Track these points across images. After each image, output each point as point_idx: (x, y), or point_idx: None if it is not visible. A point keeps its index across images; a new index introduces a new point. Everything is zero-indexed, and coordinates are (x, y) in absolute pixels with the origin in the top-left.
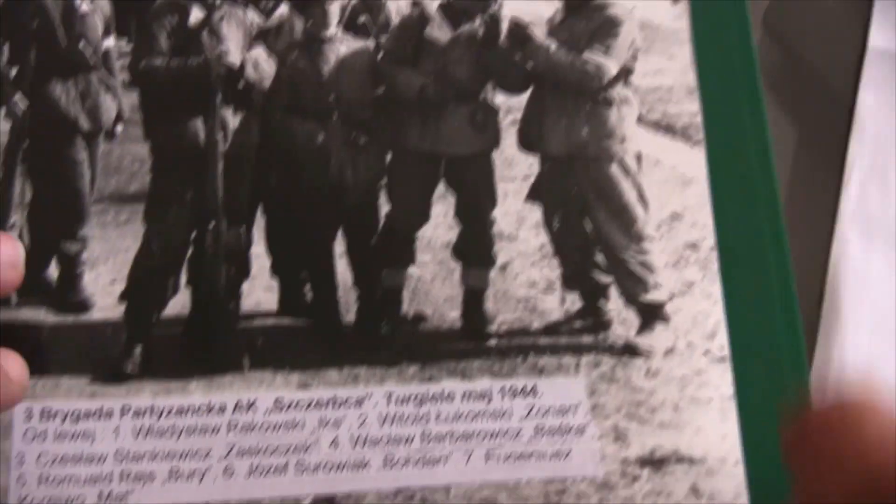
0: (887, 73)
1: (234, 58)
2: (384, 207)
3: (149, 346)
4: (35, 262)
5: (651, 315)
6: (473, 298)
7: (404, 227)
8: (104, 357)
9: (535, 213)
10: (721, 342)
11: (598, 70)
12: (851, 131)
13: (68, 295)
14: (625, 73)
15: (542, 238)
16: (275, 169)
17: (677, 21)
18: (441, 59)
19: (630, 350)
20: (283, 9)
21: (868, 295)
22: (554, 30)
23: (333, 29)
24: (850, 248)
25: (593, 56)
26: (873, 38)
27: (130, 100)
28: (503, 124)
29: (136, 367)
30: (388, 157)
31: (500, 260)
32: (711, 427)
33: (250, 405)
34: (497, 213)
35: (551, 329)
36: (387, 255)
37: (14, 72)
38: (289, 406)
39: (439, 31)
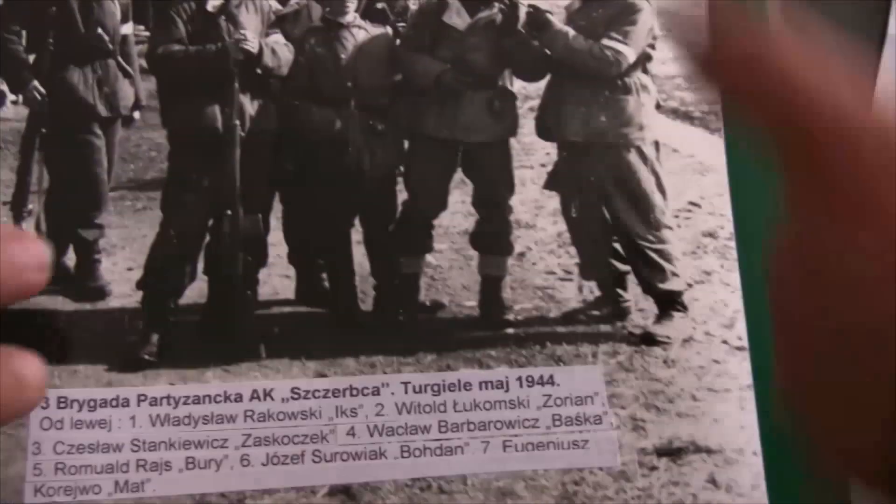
0: None
1: (252, 44)
2: (401, 195)
3: (166, 334)
4: (52, 249)
5: (669, 304)
6: (491, 287)
7: (422, 215)
8: (121, 345)
9: (553, 200)
10: (739, 332)
11: (616, 57)
12: None
13: (86, 282)
14: (643, 60)
15: (560, 226)
16: (292, 156)
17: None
18: (459, 45)
19: (648, 339)
20: None
21: None
22: (572, 16)
23: (351, 15)
24: None
25: (611, 43)
26: (892, 27)
27: (148, 86)
28: (521, 111)
29: (153, 355)
30: (406, 144)
31: (517, 248)
32: (729, 417)
33: (267, 394)
34: (515, 200)
35: (569, 318)
36: (404, 242)
37: (32, 59)
38: (305, 395)
39: (457, 18)
